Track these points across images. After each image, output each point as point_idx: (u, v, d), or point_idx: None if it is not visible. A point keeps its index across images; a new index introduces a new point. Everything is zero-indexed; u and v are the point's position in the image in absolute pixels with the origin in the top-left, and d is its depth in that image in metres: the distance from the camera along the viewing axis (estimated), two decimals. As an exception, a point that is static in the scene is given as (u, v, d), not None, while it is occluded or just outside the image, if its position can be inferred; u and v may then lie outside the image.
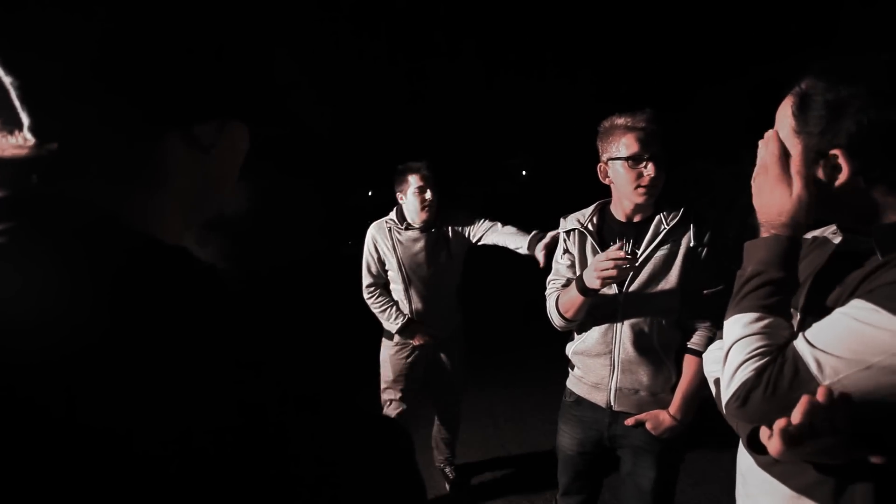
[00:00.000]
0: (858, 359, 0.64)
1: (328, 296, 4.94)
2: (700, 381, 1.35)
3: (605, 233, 1.51)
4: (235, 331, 0.42)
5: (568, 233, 1.57)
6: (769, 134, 0.81)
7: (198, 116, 0.48)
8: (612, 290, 1.44)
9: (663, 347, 1.41)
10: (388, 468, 0.49)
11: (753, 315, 0.76)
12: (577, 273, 1.51)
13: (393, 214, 2.35)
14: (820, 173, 0.75)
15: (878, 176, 0.72)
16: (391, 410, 2.44)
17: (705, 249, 1.41)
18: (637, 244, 1.43)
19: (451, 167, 6.81)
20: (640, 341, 1.40)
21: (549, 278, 1.63)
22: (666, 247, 1.41)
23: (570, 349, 1.57)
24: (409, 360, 2.45)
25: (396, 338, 2.42)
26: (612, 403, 1.44)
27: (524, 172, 8.42)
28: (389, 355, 2.47)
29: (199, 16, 0.47)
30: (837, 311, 0.70)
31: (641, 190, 1.39)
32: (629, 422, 1.41)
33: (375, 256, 2.35)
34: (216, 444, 0.39)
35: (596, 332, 1.47)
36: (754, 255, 0.84)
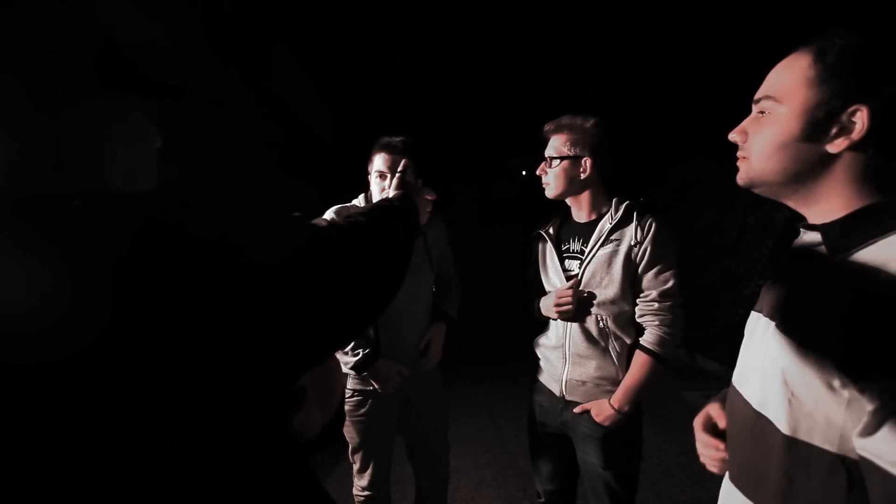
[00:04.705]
0: None
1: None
2: (644, 375, 1.41)
3: (563, 234, 1.58)
4: (236, 331, 0.42)
5: (533, 237, 1.66)
6: None
7: (86, 92, 0.48)
8: (564, 286, 1.52)
9: (610, 342, 1.46)
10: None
11: None
12: (542, 275, 1.61)
13: (360, 201, 1.73)
14: (830, 131, 0.68)
15: (888, 145, 0.65)
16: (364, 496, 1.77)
17: (645, 247, 1.41)
18: (587, 243, 1.49)
19: (450, 166, 6.80)
20: (588, 336, 1.47)
21: (527, 277, 1.72)
22: (610, 245, 1.44)
23: (535, 342, 1.67)
24: (372, 416, 1.69)
25: (350, 382, 1.69)
26: (564, 393, 1.52)
27: (524, 172, 8.42)
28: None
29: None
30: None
31: None
32: (577, 410, 1.50)
33: None
34: (217, 443, 0.39)
35: (553, 327, 1.57)
36: None
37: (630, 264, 1.43)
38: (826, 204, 0.71)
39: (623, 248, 1.43)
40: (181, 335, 0.38)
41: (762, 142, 0.74)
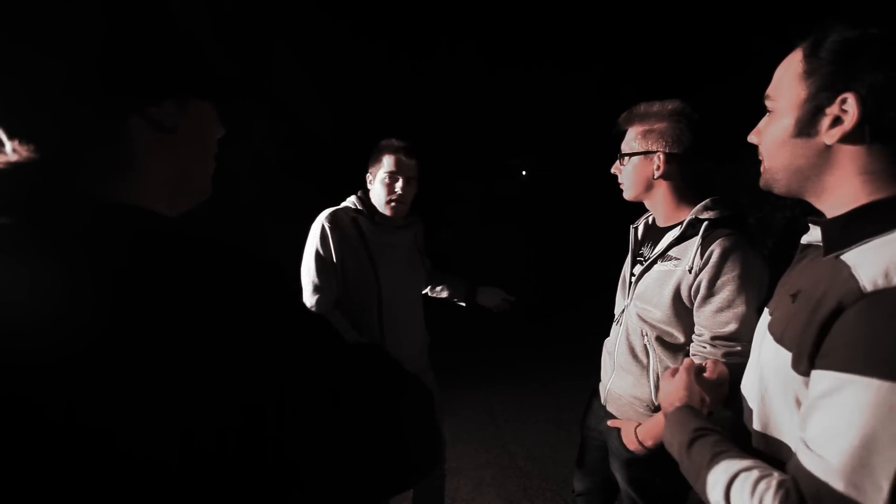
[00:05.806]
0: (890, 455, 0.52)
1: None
2: None
3: (646, 234, 1.43)
4: (237, 329, 0.42)
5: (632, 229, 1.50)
6: None
7: (152, 97, 0.48)
8: (622, 292, 1.43)
9: (651, 362, 1.30)
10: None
11: (725, 463, 0.67)
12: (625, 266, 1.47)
13: (354, 202, 1.70)
14: (822, 124, 0.66)
15: (885, 131, 0.63)
16: None
17: (701, 278, 1.15)
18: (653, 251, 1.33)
19: (450, 166, 6.80)
20: (631, 348, 1.35)
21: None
22: (669, 263, 1.23)
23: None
24: None
25: None
26: (606, 401, 1.45)
27: (524, 172, 8.42)
28: None
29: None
30: (825, 401, 0.57)
31: None
32: (609, 423, 1.40)
33: (332, 257, 1.58)
34: (217, 443, 0.39)
35: (610, 332, 1.47)
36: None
37: (681, 295, 1.19)
38: (835, 198, 0.69)
39: (678, 272, 1.19)
40: (181, 334, 0.38)
41: (768, 141, 0.74)
